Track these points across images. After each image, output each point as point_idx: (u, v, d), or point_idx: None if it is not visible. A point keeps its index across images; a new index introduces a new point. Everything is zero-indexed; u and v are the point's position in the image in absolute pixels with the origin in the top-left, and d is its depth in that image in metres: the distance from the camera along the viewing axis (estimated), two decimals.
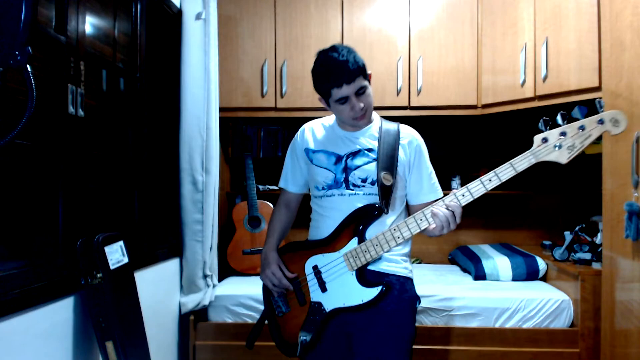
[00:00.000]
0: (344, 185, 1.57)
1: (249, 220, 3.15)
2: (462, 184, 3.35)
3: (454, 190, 1.43)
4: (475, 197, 1.40)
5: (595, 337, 2.41)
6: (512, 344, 2.52)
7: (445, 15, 3.02)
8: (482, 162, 3.37)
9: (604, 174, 2.20)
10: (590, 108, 1.29)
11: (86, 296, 1.70)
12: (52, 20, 1.66)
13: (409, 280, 1.61)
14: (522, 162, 1.34)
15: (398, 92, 3.01)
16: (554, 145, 1.31)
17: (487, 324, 2.58)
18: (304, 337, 1.55)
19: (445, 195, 1.50)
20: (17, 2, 1.11)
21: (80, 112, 1.77)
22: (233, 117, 3.18)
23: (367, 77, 1.54)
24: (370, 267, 1.54)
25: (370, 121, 1.63)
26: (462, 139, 3.48)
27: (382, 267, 1.56)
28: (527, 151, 1.34)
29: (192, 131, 2.57)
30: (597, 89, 2.32)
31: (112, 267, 1.75)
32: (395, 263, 1.58)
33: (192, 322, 2.62)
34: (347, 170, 1.58)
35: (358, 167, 1.57)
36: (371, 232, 1.51)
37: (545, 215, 3.39)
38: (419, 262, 3.49)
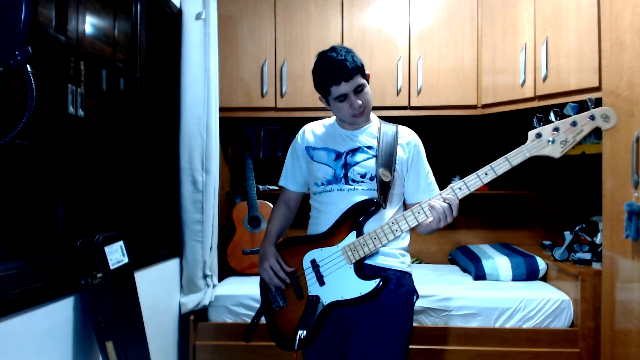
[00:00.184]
0: (343, 180, 1.61)
1: (249, 220, 3.15)
2: None
3: (452, 184, 1.46)
4: (472, 190, 1.44)
5: (595, 337, 2.41)
6: (512, 344, 2.52)
7: (445, 15, 3.02)
8: (482, 162, 3.34)
9: (604, 174, 2.20)
10: (582, 107, 1.35)
11: (86, 296, 1.70)
12: (52, 20, 1.66)
13: (407, 275, 1.63)
14: (517, 156, 1.38)
15: (398, 92, 3.01)
16: (548, 140, 1.36)
17: (487, 324, 2.58)
18: (302, 331, 1.56)
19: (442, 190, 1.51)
20: (17, 2, 1.12)
21: (80, 112, 1.77)
22: (233, 117, 3.18)
23: (366, 76, 1.59)
24: (368, 261, 1.56)
25: (369, 120, 1.69)
26: (462, 139, 3.48)
27: (380, 261, 1.58)
28: (522, 146, 1.39)
29: (192, 131, 2.57)
30: (597, 89, 2.32)
31: (112, 267, 1.75)
32: (393, 257, 1.60)
33: (192, 322, 2.62)
34: (346, 166, 1.61)
35: (357, 163, 1.61)
36: (369, 226, 1.54)
37: (545, 215, 3.39)
38: (419, 262, 3.49)
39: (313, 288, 1.59)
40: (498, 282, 2.88)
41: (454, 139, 3.48)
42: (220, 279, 2.92)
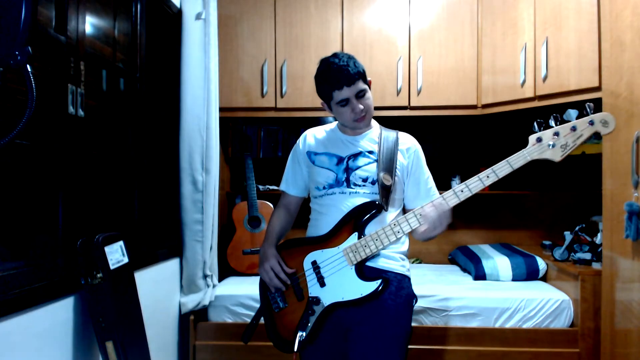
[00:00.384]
0: (345, 184, 1.62)
1: (249, 220, 3.15)
2: None
3: (454, 187, 1.47)
4: (474, 193, 1.46)
5: (595, 337, 2.41)
6: (512, 344, 2.52)
7: (445, 15, 3.02)
8: (482, 162, 3.36)
9: (604, 174, 2.20)
10: (581, 111, 1.40)
11: (86, 296, 1.70)
12: (52, 20, 1.66)
13: (406, 278, 1.64)
14: (518, 160, 1.42)
15: (398, 92, 3.01)
16: (548, 144, 1.39)
17: (487, 324, 2.58)
18: (302, 332, 1.56)
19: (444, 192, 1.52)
20: (17, 2, 1.11)
21: (80, 112, 1.77)
22: (233, 117, 3.18)
23: (367, 82, 1.62)
24: (368, 264, 1.57)
25: (370, 125, 1.71)
26: (462, 139, 3.48)
27: (381, 264, 1.59)
28: (523, 150, 1.42)
29: (192, 131, 2.57)
30: (597, 89, 2.33)
31: (112, 267, 1.75)
32: (393, 260, 1.61)
33: (192, 322, 2.62)
34: (348, 170, 1.63)
35: (359, 167, 1.62)
36: (371, 228, 1.55)
37: (545, 215, 3.39)
38: (419, 262, 3.49)
39: (314, 289, 1.59)
40: (498, 282, 2.88)
41: (454, 139, 3.49)
42: (220, 279, 2.92)
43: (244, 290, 2.72)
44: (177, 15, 2.62)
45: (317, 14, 3.04)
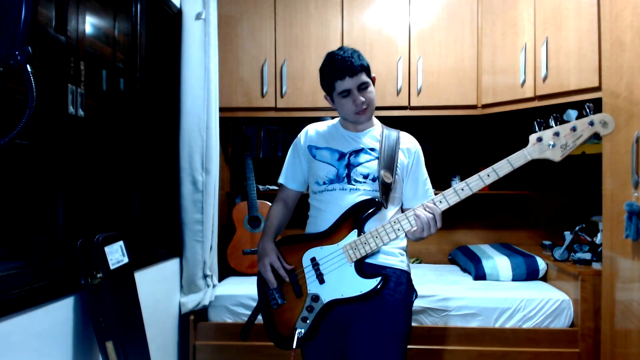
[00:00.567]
0: (345, 180, 1.62)
1: (249, 220, 3.15)
2: None
3: (454, 186, 1.48)
4: (474, 191, 1.46)
5: (595, 337, 2.41)
6: (512, 344, 2.52)
7: (445, 15, 3.02)
8: (482, 162, 3.37)
9: (604, 174, 2.20)
10: (581, 111, 1.40)
11: (86, 296, 1.70)
12: (52, 20, 1.66)
13: (406, 274, 1.64)
14: (518, 159, 1.42)
15: (398, 92, 3.01)
16: (549, 144, 1.40)
17: (487, 324, 2.58)
18: (300, 329, 1.56)
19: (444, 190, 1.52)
20: (17, 2, 1.11)
21: (80, 112, 1.77)
22: (233, 117, 3.18)
23: (371, 77, 1.63)
24: (368, 260, 1.57)
25: (371, 121, 1.71)
26: (462, 138, 3.48)
27: (380, 260, 1.59)
28: (523, 149, 1.42)
29: (192, 131, 2.57)
30: (597, 89, 2.33)
31: (112, 267, 1.75)
32: (393, 256, 1.62)
33: (192, 322, 2.62)
34: (349, 166, 1.63)
35: (360, 164, 1.63)
36: (370, 225, 1.55)
37: (545, 215, 3.39)
38: (419, 262, 3.49)
39: (313, 286, 1.59)
40: (498, 282, 2.88)
41: (454, 139, 3.49)
42: (220, 279, 2.92)
43: (244, 290, 2.72)
44: (177, 15, 2.62)
45: (317, 14, 3.04)
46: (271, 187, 3.35)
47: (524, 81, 2.75)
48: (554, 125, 1.40)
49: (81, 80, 1.78)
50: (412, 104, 3.02)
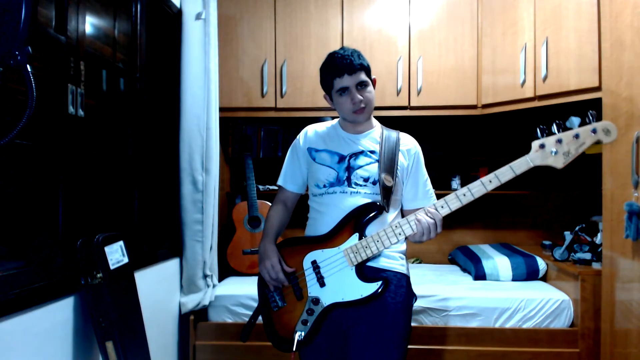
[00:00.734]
0: (346, 183, 1.61)
1: (249, 220, 3.15)
2: (462, 184, 3.37)
3: (456, 191, 1.48)
4: (476, 197, 1.46)
5: (595, 337, 2.41)
6: (512, 344, 2.52)
7: (445, 15, 3.02)
8: (482, 162, 3.38)
9: (604, 174, 2.20)
10: (584, 118, 1.40)
11: (86, 296, 1.70)
12: (52, 20, 1.66)
13: (406, 277, 1.64)
14: (520, 166, 1.43)
15: (398, 92, 3.01)
16: (551, 151, 1.40)
17: (487, 324, 2.58)
18: (300, 332, 1.56)
19: (447, 194, 1.51)
20: (17, 2, 1.11)
21: (80, 112, 1.77)
22: (233, 117, 3.18)
23: (371, 77, 1.63)
24: (368, 263, 1.57)
25: (371, 123, 1.71)
26: (462, 139, 3.48)
27: (381, 263, 1.59)
28: (526, 155, 1.43)
29: (192, 131, 2.57)
30: (597, 89, 2.32)
31: (112, 267, 1.75)
32: (393, 260, 1.62)
33: (192, 322, 2.62)
34: (349, 169, 1.62)
35: (361, 167, 1.62)
36: (371, 229, 1.55)
37: (545, 215, 3.39)
38: (419, 262, 3.49)
39: (313, 289, 1.58)
40: (498, 282, 2.88)
41: (454, 139, 3.49)
42: (220, 279, 2.92)
43: (244, 290, 2.72)
44: (177, 15, 2.62)
45: (317, 14, 3.04)
46: (271, 187, 3.35)
47: (524, 81, 2.75)
48: (556, 131, 1.40)
49: (81, 80, 1.78)
50: (412, 104, 3.02)
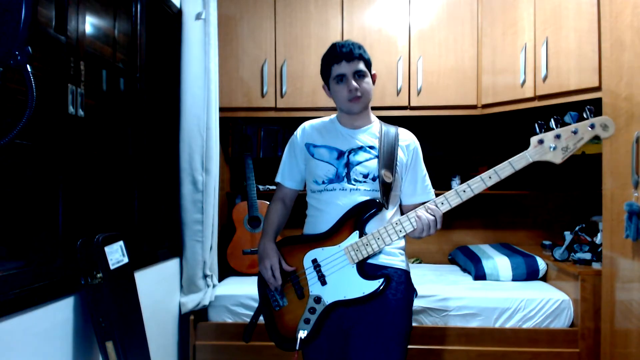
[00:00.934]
0: (345, 179, 1.60)
1: (249, 220, 3.15)
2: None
3: (456, 187, 1.48)
4: (476, 193, 1.46)
5: (595, 337, 2.41)
6: (512, 344, 2.52)
7: (445, 15, 3.02)
8: (481, 162, 3.37)
9: (604, 174, 2.20)
10: (581, 113, 1.41)
11: (86, 296, 1.70)
12: (52, 20, 1.66)
13: (407, 273, 1.64)
14: (519, 161, 1.43)
15: (398, 92, 3.01)
16: (550, 147, 1.41)
17: (487, 324, 2.58)
18: (303, 331, 1.56)
19: (445, 192, 1.52)
20: (17, 2, 1.11)
21: (80, 112, 1.77)
22: (233, 117, 3.18)
23: (370, 69, 1.64)
24: (368, 261, 1.57)
25: (369, 118, 1.70)
26: (462, 139, 3.48)
27: (381, 260, 1.59)
28: (524, 151, 1.43)
29: (192, 131, 2.57)
30: (597, 89, 2.32)
31: (112, 267, 1.75)
32: (393, 256, 1.62)
33: (192, 322, 2.62)
34: (349, 165, 1.61)
35: (360, 163, 1.61)
36: (371, 226, 1.55)
37: (545, 215, 3.39)
38: (419, 262, 3.49)
39: (314, 288, 1.58)
40: (498, 282, 2.88)
41: (454, 139, 3.49)
42: (220, 279, 2.92)
43: (244, 290, 2.72)
44: (177, 15, 2.62)
45: (317, 14, 3.04)
46: (271, 187, 3.35)
47: (524, 81, 2.75)
48: (555, 127, 1.40)
49: (81, 80, 1.78)
50: (412, 104, 3.02)
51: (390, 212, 1.62)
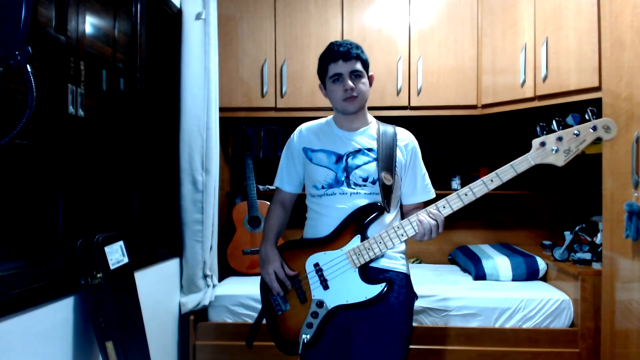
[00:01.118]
0: (345, 183, 1.60)
1: (249, 220, 3.15)
2: (462, 184, 3.37)
3: (458, 191, 1.47)
4: (478, 197, 1.46)
5: (595, 337, 2.41)
6: (512, 344, 2.52)
7: (445, 15, 3.02)
8: (482, 162, 3.38)
9: (604, 174, 2.20)
10: (583, 115, 1.41)
11: (86, 296, 1.70)
12: (52, 20, 1.66)
13: (407, 277, 1.64)
14: (522, 164, 1.43)
15: (398, 92, 3.01)
16: (552, 149, 1.40)
17: (487, 324, 2.58)
18: (306, 335, 1.56)
19: (447, 194, 1.51)
20: (17, 2, 1.11)
21: (80, 112, 1.77)
22: (233, 117, 3.18)
23: (368, 70, 1.63)
24: (370, 265, 1.56)
25: (366, 119, 1.69)
26: (462, 139, 3.48)
27: (383, 263, 1.59)
28: (527, 154, 1.42)
29: (192, 131, 2.57)
30: (597, 89, 2.32)
31: (112, 267, 1.75)
32: (394, 260, 1.61)
33: (192, 322, 2.62)
34: (348, 169, 1.60)
35: (359, 166, 1.60)
36: (372, 230, 1.55)
37: (545, 215, 3.39)
38: (419, 262, 3.49)
39: (317, 292, 1.58)
40: (498, 282, 2.88)
41: (454, 139, 3.49)
42: (220, 279, 2.92)
43: (244, 290, 2.72)
44: (177, 15, 2.62)
45: (317, 14, 3.04)
46: (271, 187, 3.35)
47: (524, 81, 2.75)
48: (556, 129, 1.39)
49: (81, 80, 1.78)
50: (412, 104, 3.02)
51: (391, 215, 1.61)
